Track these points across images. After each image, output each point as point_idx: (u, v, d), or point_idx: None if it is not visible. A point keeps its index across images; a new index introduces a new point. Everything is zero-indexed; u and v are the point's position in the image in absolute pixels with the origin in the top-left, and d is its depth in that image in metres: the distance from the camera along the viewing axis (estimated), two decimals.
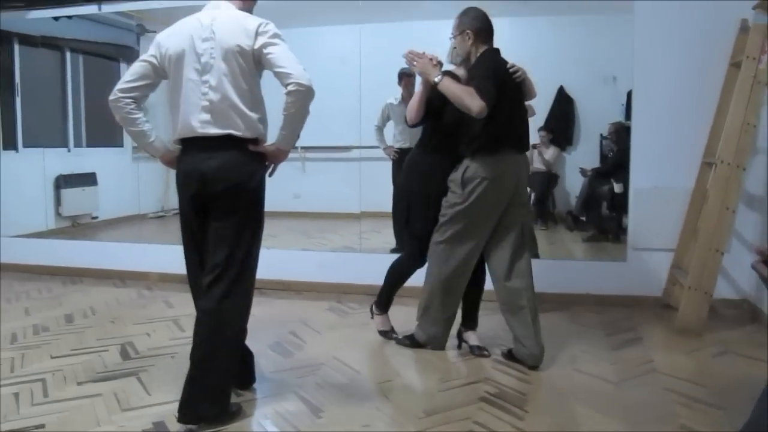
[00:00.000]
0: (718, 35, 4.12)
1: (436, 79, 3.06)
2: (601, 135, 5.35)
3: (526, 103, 3.35)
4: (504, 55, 3.14)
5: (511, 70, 3.17)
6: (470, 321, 3.55)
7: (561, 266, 4.58)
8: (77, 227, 6.42)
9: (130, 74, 2.60)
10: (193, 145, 2.54)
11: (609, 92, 5.23)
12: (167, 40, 2.55)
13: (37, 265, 5.61)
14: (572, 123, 5.48)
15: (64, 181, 6.28)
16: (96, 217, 6.64)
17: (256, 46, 2.43)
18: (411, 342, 3.52)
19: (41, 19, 5.57)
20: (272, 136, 2.56)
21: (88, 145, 6.81)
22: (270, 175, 2.67)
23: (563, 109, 5.45)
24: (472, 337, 3.52)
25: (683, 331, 3.77)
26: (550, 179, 5.55)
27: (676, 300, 4.12)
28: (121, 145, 6.77)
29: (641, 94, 4.33)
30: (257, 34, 2.44)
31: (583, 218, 5.48)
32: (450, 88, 3.02)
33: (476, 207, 3.16)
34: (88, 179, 6.54)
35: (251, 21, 2.47)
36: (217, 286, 2.48)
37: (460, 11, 3.23)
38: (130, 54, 6.18)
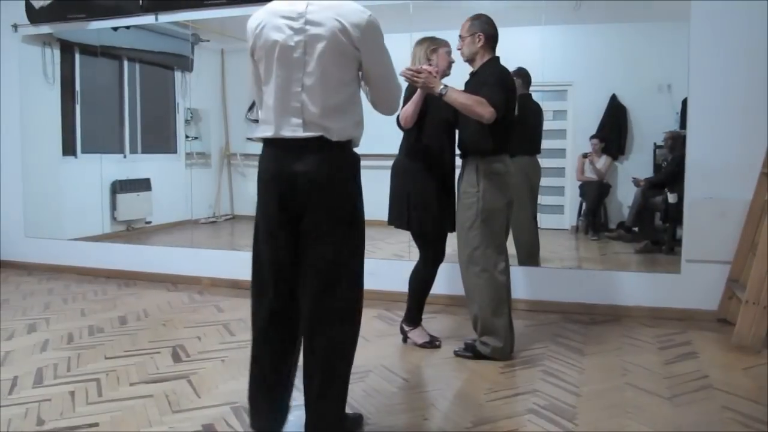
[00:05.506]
0: None
1: (442, 91, 3.18)
2: (655, 144, 5.24)
3: None
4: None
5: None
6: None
7: (612, 278, 4.50)
8: (132, 231, 6.58)
9: (255, 95, 2.42)
10: (280, 146, 2.23)
11: (663, 100, 5.12)
12: (257, 31, 2.22)
13: (94, 267, 5.78)
14: (625, 132, 5.38)
15: (119, 187, 6.44)
16: (150, 222, 6.79)
17: (357, 45, 2.14)
18: (474, 354, 3.46)
19: (101, 29, 5.75)
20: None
21: (143, 152, 6.96)
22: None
23: (616, 117, 5.35)
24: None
25: (740, 347, 3.65)
26: (601, 189, 5.45)
27: (732, 314, 4.01)
28: (175, 152, 6.91)
29: (697, 102, 4.23)
30: (360, 29, 2.13)
31: (636, 229, 5.37)
32: (458, 99, 3.18)
33: (492, 200, 3.33)
34: (142, 185, 6.69)
35: (353, 15, 2.13)
36: (323, 323, 2.24)
37: (472, 15, 3.40)
38: (185, 63, 6.31)
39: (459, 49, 3.43)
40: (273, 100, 2.21)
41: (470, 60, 3.41)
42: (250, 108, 5.84)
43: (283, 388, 2.37)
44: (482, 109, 3.12)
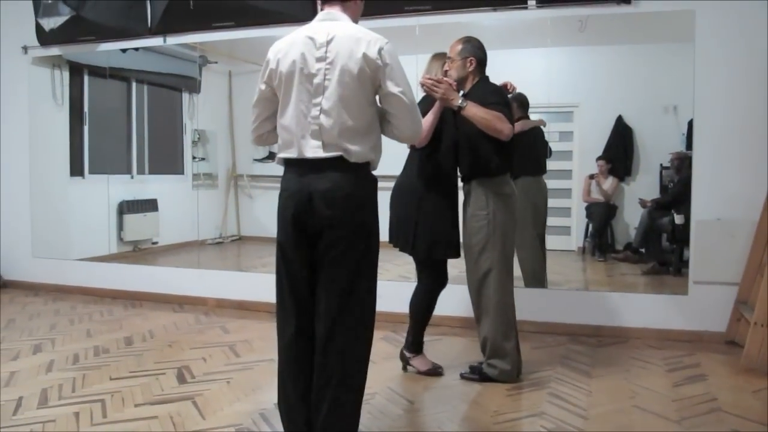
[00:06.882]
0: None
1: (461, 104, 3.16)
2: (661, 165, 5.24)
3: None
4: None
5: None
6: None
7: (620, 299, 4.47)
8: (138, 252, 6.59)
9: (254, 117, 2.48)
10: (300, 165, 2.29)
11: (669, 122, 5.13)
12: (278, 56, 2.32)
13: (100, 288, 5.79)
14: (631, 153, 5.38)
15: (126, 207, 6.47)
16: (156, 243, 6.80)
17: (375, 71, 2.23)
18: (480, 377, 3.43)
19: (110, 51, 5.82)
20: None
21: (151, 173, 7.00)
22: None
23: (622, 139, 5.35)
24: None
25: (749, 369, 3.62)
26: (608, 210, 5.44)
27: (741, 336, 3.98)
28: (182, 173, 6.94)
29: (703, 123, 4.23)
30: (378, 56, 2.22)
31: (643, 250, 5.35)
32: (478, 113, 3.15)
33: (503, 221, 3.32)
34: (149, 205, 6.72)
35: (372, 43, 2.23)
36: (334, 339, 2.27)
37: (463, 38, 3.41)
38: (192, 84, 6.37)
39: (447, 70, 3.43)
40: (294, 123, 2.28)
41: (458, 82, 3.39)
42: None
43: (306, 402, 2.34)
44: (502, 125, 3.12)
